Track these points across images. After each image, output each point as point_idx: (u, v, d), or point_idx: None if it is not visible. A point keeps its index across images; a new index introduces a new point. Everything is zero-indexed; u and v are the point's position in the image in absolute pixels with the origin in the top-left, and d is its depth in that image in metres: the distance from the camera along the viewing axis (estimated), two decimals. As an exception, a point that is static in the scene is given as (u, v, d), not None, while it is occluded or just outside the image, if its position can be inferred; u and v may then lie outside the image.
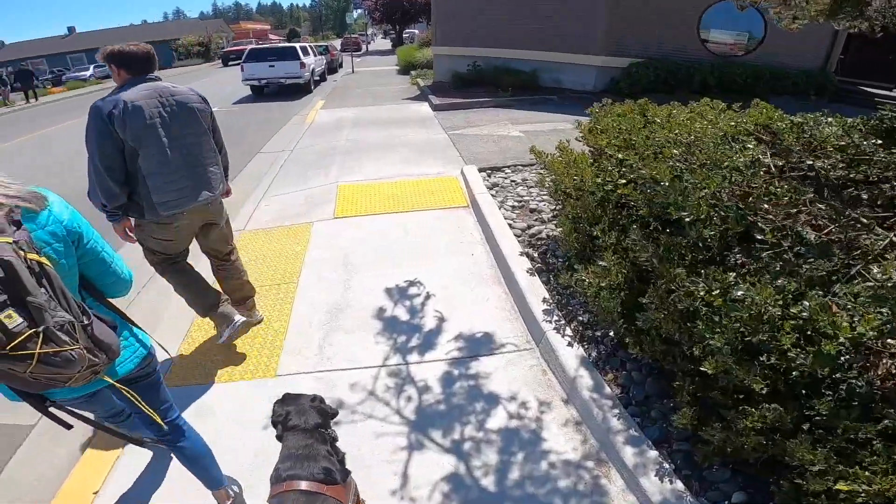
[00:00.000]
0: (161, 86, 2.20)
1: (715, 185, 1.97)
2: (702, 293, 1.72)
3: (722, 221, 1.93)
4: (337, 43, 35.73)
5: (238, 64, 19.82)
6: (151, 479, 2.03)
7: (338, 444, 1.63)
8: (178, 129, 2.22)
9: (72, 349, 1.12)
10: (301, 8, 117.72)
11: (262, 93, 14.09)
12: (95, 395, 1.50)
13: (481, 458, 2.08)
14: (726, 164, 2.12)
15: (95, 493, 1.97)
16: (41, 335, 1.06)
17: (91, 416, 1.54)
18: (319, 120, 9.49)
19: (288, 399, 1.66)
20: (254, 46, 16.32)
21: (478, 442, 2.16)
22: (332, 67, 20.67)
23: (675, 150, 2.25)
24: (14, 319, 1.02)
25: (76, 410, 1.42)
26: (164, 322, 3.06)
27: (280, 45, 16.57)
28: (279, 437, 1.57)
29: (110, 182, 2.11)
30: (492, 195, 4.50)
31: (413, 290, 3.28)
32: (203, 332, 2.96)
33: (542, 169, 3.25)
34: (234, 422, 2.28)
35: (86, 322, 1.20)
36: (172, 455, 1.97)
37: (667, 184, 1.98)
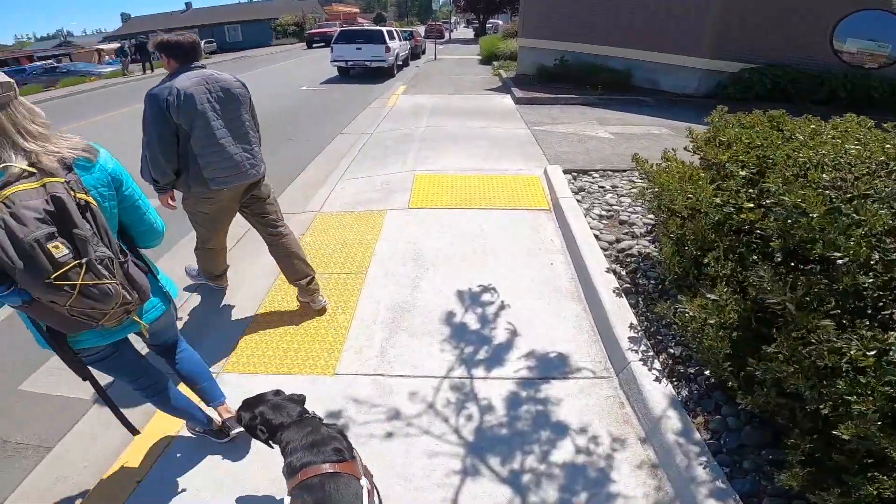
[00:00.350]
0: (207, 73, 2.38)
1: (881, 223, 1.59)
2: (853, 351, 1.41)
3: (885, 269, 1.55)
4: (421, 29, 35.97)
5: (322, 46, 20.40)
6: (197, 469, 1.98)
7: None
8: (224, 112, 2.41)
9: (109, 283, 1.22)
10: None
11: (349, 74, 14.41)
12: (120, 354, 1.59)
13: (539, 493, 1.86)
14: (885, 193, 1.72)
15: (139, 481, 1.94)
16: (84, 266, 1.16)
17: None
18: (400, 105, 9.48)
19: (251, 403, 1.67)
20: (343, 28, 16.71)
21: (538, 475, 1.94)
22: (416, 53, 20.76)
23: (823, 175, 1.86)
24: (61, 250, 1.12)
25: (99, 371, 1.54)
26: (234, 309, 3.08)
27: (368, 28, 16.84)
28: (268, 441, 1.60)
29: (163, 161, 2.34)
30: (577, 200, 4.18)
31: (485, 297, 3.08)
32: (270, 317, 2.95)
33: (640, 178, 2.90)
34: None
35: (122, 260, 1.32)
36: (220, 445, 2.02)
37: (817, 216, 1.62)
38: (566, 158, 5.57)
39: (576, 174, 4.98)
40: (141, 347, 1.84)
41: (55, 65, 24.51)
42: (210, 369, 2.10)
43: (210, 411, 2.00)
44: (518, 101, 9.32)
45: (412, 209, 4.35)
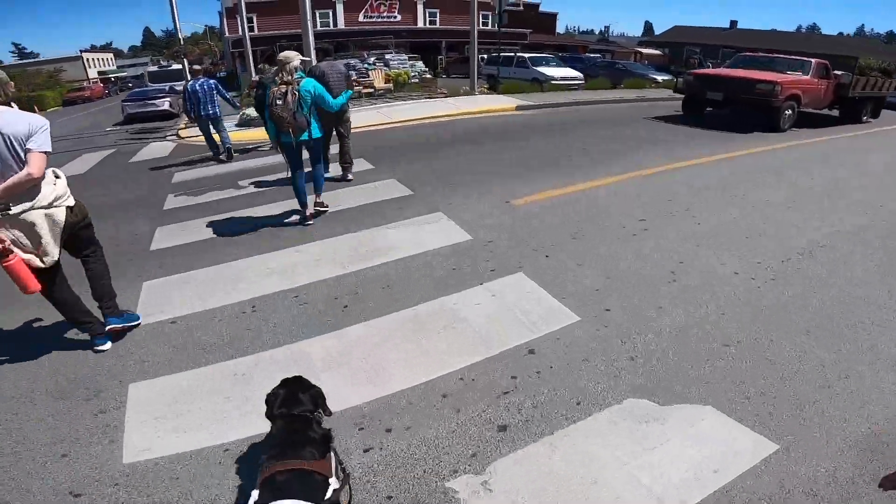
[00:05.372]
0: (332, 62, 6.12)
1: None
2: None
3: None
4: None
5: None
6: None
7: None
8: (335, 77, 5.81)
9: (285, 115, 4.24)
10: None
11: None
12: (295, 152, 4.58)
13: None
14: None
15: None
16: (280, 107, 4.25)
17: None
18: None
19: (289, 383, 1.81)
20: None
21: None
22: None
23: None
24: (282, 103, 4.23)
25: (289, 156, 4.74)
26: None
27: None
28: (268, 417, 1.75)
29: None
30: None
31: None
32: None
33: None
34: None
35: (296, 113, 4.28)
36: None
37: None
38: None
39: None
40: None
41: (614, 61, 25.17)
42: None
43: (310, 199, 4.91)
44: None
45: None
